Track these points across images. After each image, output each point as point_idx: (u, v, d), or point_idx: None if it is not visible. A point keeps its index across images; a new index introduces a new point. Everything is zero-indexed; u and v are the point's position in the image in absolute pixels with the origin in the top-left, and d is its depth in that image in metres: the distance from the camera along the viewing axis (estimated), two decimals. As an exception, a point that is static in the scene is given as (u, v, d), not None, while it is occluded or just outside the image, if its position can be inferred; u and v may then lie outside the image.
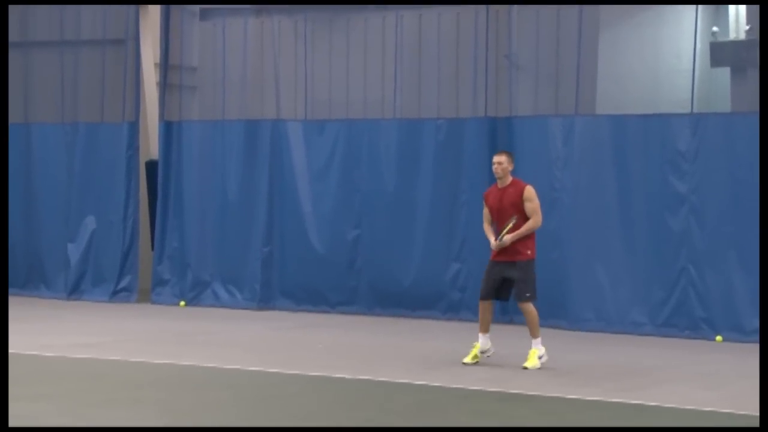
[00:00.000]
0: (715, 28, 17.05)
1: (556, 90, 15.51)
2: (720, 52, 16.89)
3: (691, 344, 13.95)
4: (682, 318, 14.42)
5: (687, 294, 14.39)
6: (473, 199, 15.48)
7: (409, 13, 16.47)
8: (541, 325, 11.75)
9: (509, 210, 11.63)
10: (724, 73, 17.21)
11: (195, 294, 17.36)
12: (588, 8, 15.38)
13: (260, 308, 16.84)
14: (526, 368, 11.44)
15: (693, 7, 15.14)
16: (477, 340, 11.79)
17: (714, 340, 14.14)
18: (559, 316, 14.78)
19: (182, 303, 17.34)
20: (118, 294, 17.67)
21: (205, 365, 11.62)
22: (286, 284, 16.89)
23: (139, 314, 16.39)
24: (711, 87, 16.97)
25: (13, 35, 17.96)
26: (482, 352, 11.74)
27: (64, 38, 18.34)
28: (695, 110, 14.67)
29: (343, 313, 16.36)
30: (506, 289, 11.74)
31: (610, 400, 10.01)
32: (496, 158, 11.88)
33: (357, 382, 10.80)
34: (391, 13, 16.51)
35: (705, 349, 13.65)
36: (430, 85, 16.28)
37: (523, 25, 15.67)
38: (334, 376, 11.06)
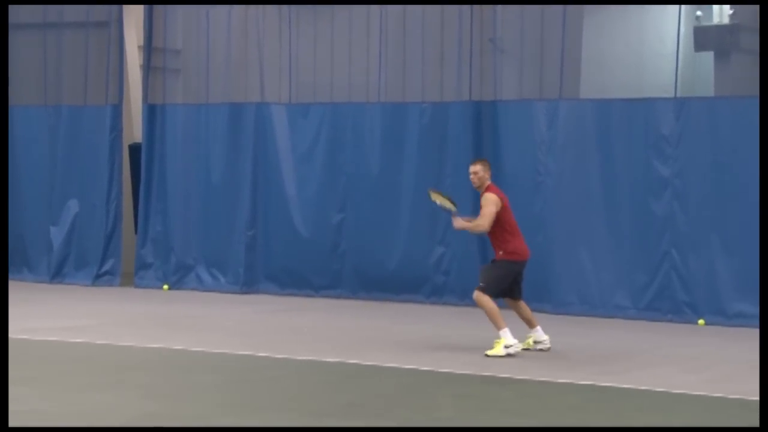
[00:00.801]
0: (699, 13, 17.08)
1: (541, 74, 15.49)
2: (704, 37, 16.95)
3: (674, 328, 14.00)
4: (665, 302, 14.46)
5: (670, 278, 14.43)
6: (458, 183, 15.46)
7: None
8: (525, 309, 11.76)
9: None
10: (708, 57, 17.25)
11: (178, 278, 17.33)
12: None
13: (244, 292, 16.82)
14: (487, 356, 11.22)
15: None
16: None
17: (696, 323, 14.19)
18: (542, 299, 14.79)
19: (165, 287, 17.31)
20: (101, 277, 17.64)
21: (189, 349, 11.60)
22: (270, 268, 16.88)
23: (123, 298, 16.36)
24: (695, 71, 17.02)
25: (-4, 17, 17.89)
26: (535, 342, 11.70)
27: (47, 20, 18.25)
28: (679, 94, 14.67)
29: (327, 296, 16.36)
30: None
31: (592, 383, 10.03)
32: (471, 168, 11.64)
33: (340, 366, 10.80)
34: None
35: (687, 332, 13.69)
36: (415, 69, 16.24)
37: (507, 10, 15.64)
38: (317, 359, 11.06)
